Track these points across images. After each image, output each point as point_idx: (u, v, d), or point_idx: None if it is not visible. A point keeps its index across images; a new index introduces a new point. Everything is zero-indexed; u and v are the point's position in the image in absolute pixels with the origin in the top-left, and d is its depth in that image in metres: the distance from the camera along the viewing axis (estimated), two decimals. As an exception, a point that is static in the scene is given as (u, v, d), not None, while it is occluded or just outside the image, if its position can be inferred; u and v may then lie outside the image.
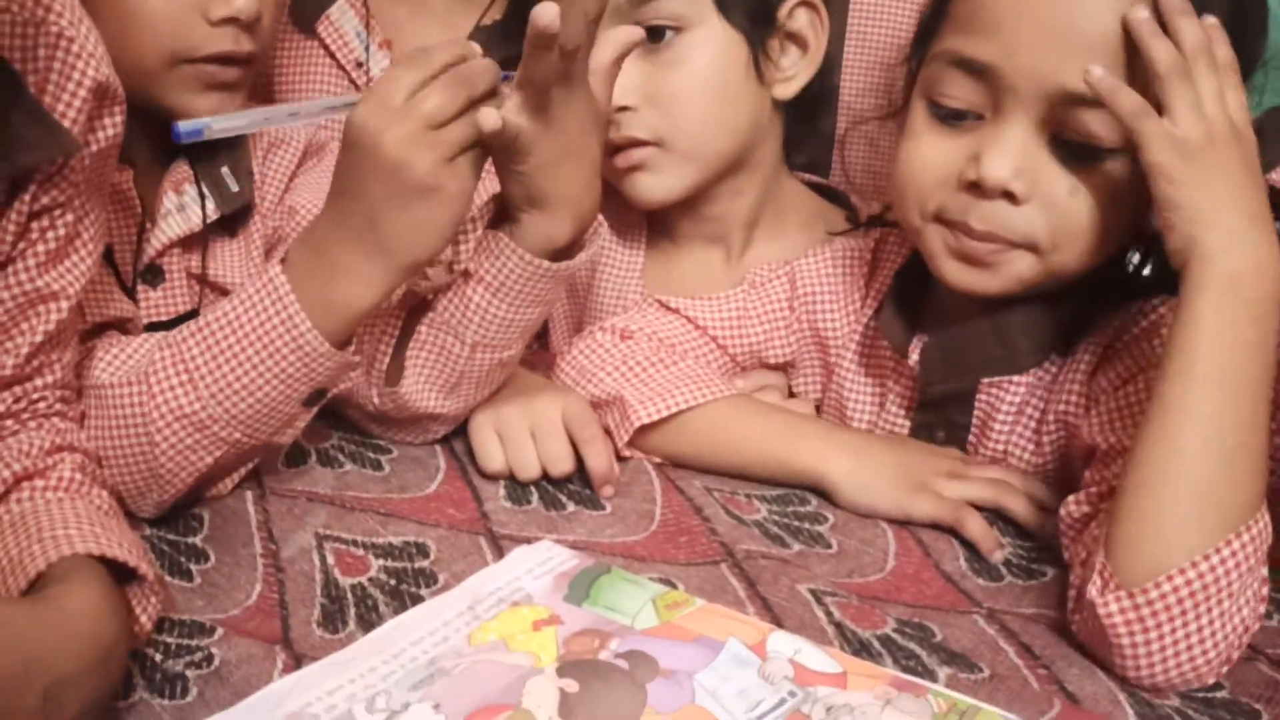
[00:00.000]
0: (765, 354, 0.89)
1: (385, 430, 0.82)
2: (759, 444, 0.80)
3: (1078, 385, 0.77)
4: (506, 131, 0.67)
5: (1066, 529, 0.71)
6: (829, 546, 0.74)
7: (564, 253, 0.74)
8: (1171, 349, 0.64)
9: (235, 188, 0.81)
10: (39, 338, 0.64)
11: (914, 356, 0.81)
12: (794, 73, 0.91)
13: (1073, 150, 0.71)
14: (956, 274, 0.76)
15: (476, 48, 0.69)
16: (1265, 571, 0.64)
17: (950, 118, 0.74)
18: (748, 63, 0.89)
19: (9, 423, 0.64)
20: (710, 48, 0.88)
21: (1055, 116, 0.71)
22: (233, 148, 0.81)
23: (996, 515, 0.77)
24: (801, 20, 0.91)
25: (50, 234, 0.64)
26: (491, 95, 0.67)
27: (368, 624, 0.63)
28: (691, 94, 0.88)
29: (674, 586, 0.67)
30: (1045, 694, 0.61)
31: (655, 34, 0.86)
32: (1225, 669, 0.63)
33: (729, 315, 0.89)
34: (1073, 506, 0.70)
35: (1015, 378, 0.79)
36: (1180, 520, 0.62)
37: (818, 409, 0.90)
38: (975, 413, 0.81)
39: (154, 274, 0.80)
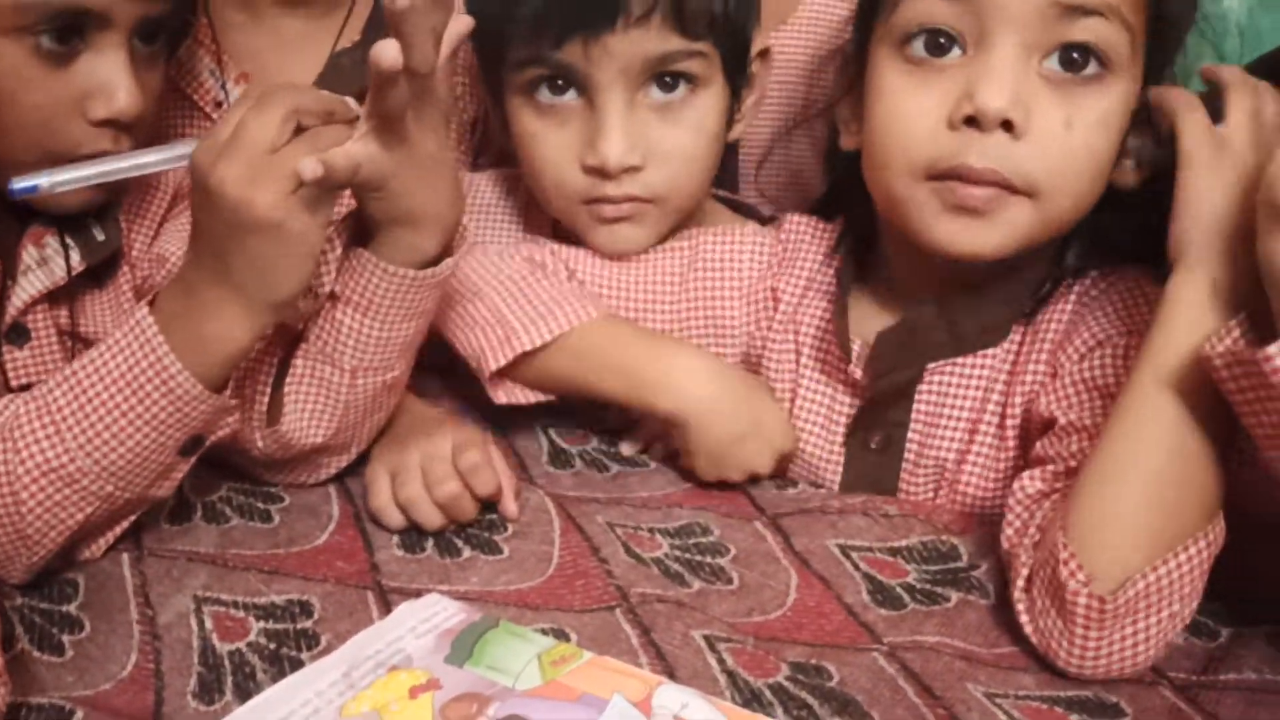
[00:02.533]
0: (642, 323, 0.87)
1: (276, 474, 0.80)
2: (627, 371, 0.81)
3: (1044, 360, 0.77)
4: (346, 168, 0.64)
5: (1017, 504, 0.70)
6: (730, 582, 0.72)
7: (433, 262, 0.72)
8: (1146, 351, 0.65)
9: (101, 237, 0.77)
10: None
11: (853, 357, 0.80)
12: (745, 114, 0.90)
13: (1065, 70, 0.69)
14: (951, 234, 0.72)
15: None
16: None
17: (931, 50, 0.71)
18: (727, 115, 0.88)
19: None
20: (716, 106, 0.85)
21: (1045, 37, 0.68)
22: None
23: (906, 548, 0.76)
24: (758, 66, 0.90)
25: None
26: (332, 118, 0.65)
27: (245, 693, 0.60)
28: (698, 154, 0.86)
29: (567, 638, 0.65)
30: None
31: (668, 87, 0.83)
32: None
33: (611, 277, 0.87)
34: (1027, 482, 0.70)
35: (960, 360, 0.78)
36: (1137, 520, 0.63)
37: None
38: (918, 407, 0.80)
39: (18, 333, 0.77)
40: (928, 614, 0.70)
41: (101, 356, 0.65)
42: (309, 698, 0.58)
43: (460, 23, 0.69)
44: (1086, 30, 0.68)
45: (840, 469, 0.83)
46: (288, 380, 0.75)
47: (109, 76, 0.70)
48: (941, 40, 0.70)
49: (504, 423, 0.88)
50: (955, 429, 0.79)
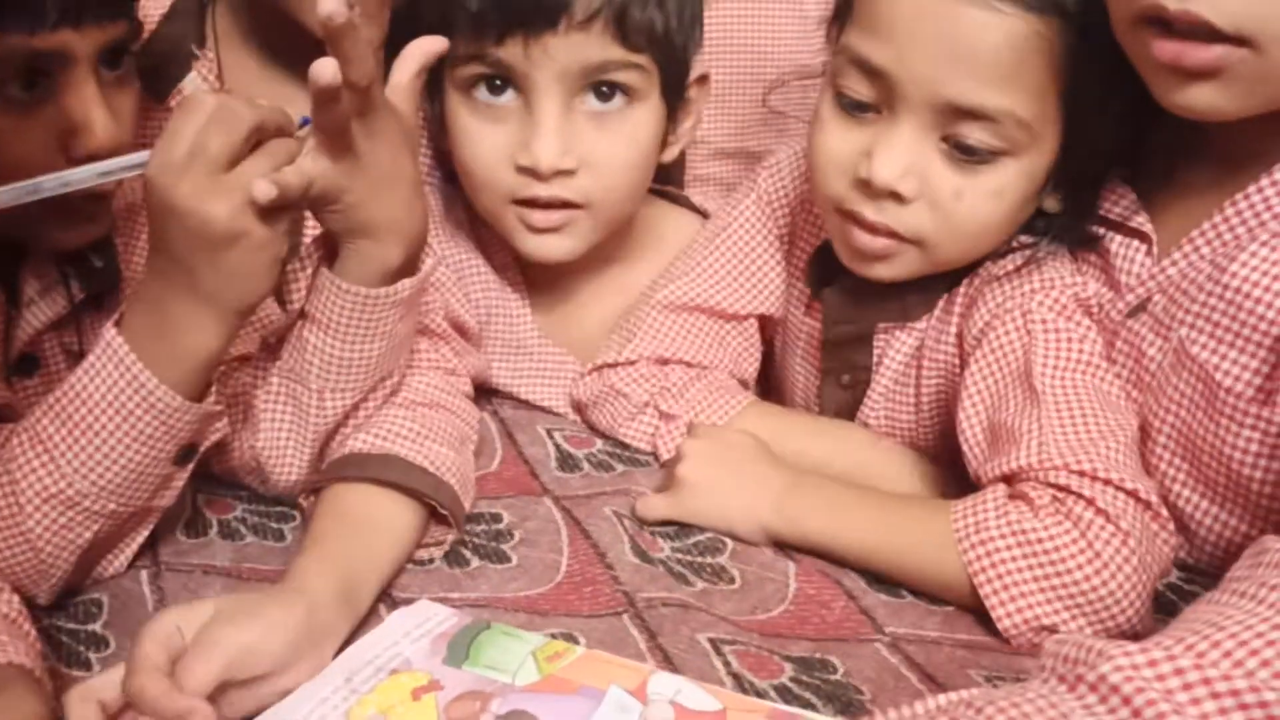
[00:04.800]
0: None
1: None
2: None
3: (952, 332, 0.82)
4: (299, 185, 0.65)
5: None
6: (731, 581, 0.74)
7: (401, 272, 0.72)
8: None
9: (99, 263, 0.79)
10: None
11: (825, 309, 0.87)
12: (679, 137, 0.93)
13: (960, 154, 0.75)
14: (851, 261, 0.82)
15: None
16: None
17: (852, 108, 0.77)
18: (661, 133, 0.90)
19: None
20: (651, 122, 0.87)
21: (942, 123, 0.74)
22: None
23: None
24: (695, 92, 0.92)
25: None
26: (284, 132, 0.66)
27: (266, 704, 0.62)
28: (629, 164, 0.88)
29: (576, 642, 0.66)
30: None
31: (605, 97, 0.85)
32: None
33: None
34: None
35: (907, 325, 0.85)
36: None
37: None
38: (876, 358, 0.87)
39: (28, 363, 0.79)
40: (929, 611, 0.72)
41: (80, 381, 0.67)
42: (313, 706, 0.59)
43: (433, 43, 0.70)
44: (978, 128, 0.73)
45: (818, 395, 0.90)
46: (263, 395, 0.76)
47: (83, 113, 0.70)
48: (858, 101, 0.76)
49: (515, 431, 0.91)
50: (902, 391, 0.85)
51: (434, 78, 0.88)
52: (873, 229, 0.77)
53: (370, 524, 0.72)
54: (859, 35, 0.76)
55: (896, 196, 0.75)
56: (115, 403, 0.66)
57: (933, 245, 0.77)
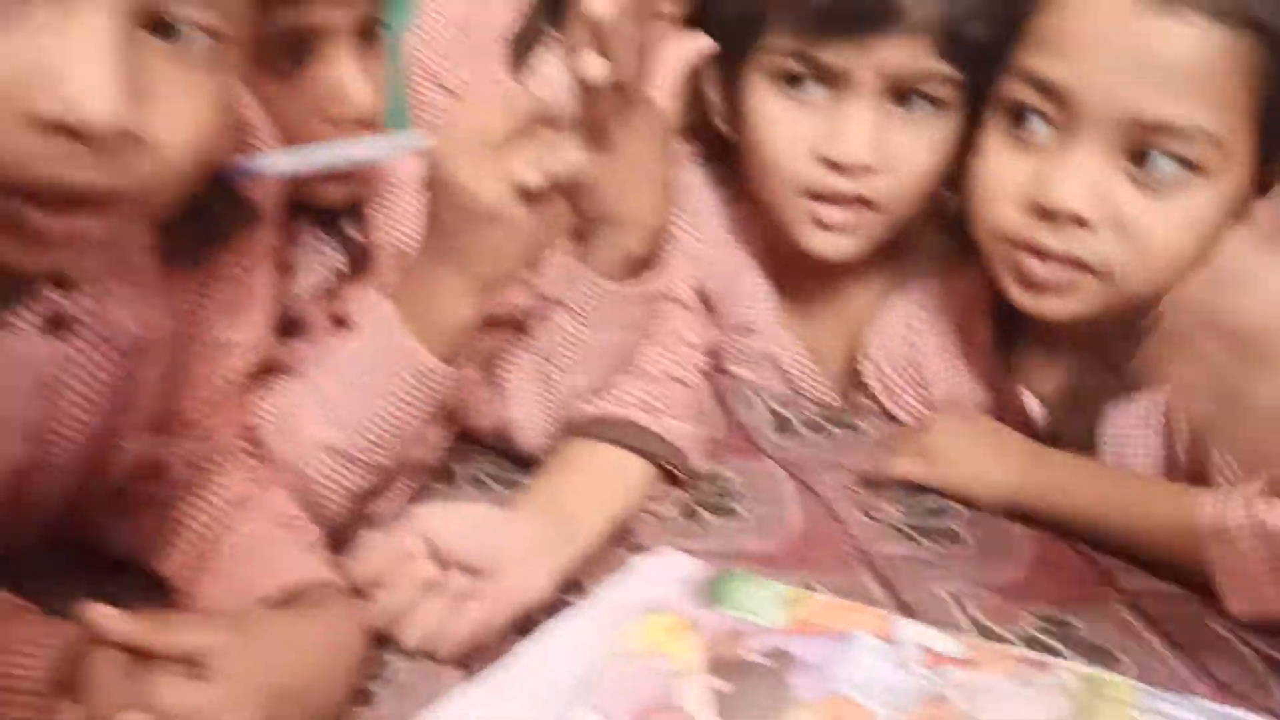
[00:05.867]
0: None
1: None
2: None
3: None
4: (564, 175, 0.69)
5: None
6: (965, 544, 0.75)
7: (643, 264, 0.76)
8: None
9: (359, 237, 0.84)
10: (218, 383, 0.70)
11: (1028, 404, 0.82)
12: None
13: (1147, 176, 0.71)
14: (1025, 300, 0.76)
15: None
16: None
17: (1024, 126, 0.74)
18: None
19: (202, 462, 0.70)
20: (952, 135, 0.84)
21: (1129, 142, 0.71)
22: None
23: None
24: None
25: (229, 290, 0.69)
26: (552, 124, 0.70)
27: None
28: (926, 172, 0.85)
29: (811, 590, 0.68)
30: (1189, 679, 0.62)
31: (906, 100, 0.83)
32: None
33: None
34: None
35: (1134, 396, 0.79)
36: None
37: None
38: (1106, 447, 0.80)
39: (297, 326, 0.85)
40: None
41: (358, 346, 0.73)
42: (575, 639, 0.63)
43: (703, 44, 0.73)
44: (1166, 144, 0.70)
45: None
46: (514, 369, 0.80)
47: (345, 82, 0.75)
48: (1035, 113, 0.73)
49: (728, 398, 0.93)
50: (1173, 457, 0.78)
51: (728, 64, 0.87)
52: (1053, 257, 0.73)
53: (593, 468, 0.76)
54: (1035, 55, 0.73)
55: (1079, 222, 0.71)
56: (387, 367, 0.72)
57: (1120, 276, 0.73)
